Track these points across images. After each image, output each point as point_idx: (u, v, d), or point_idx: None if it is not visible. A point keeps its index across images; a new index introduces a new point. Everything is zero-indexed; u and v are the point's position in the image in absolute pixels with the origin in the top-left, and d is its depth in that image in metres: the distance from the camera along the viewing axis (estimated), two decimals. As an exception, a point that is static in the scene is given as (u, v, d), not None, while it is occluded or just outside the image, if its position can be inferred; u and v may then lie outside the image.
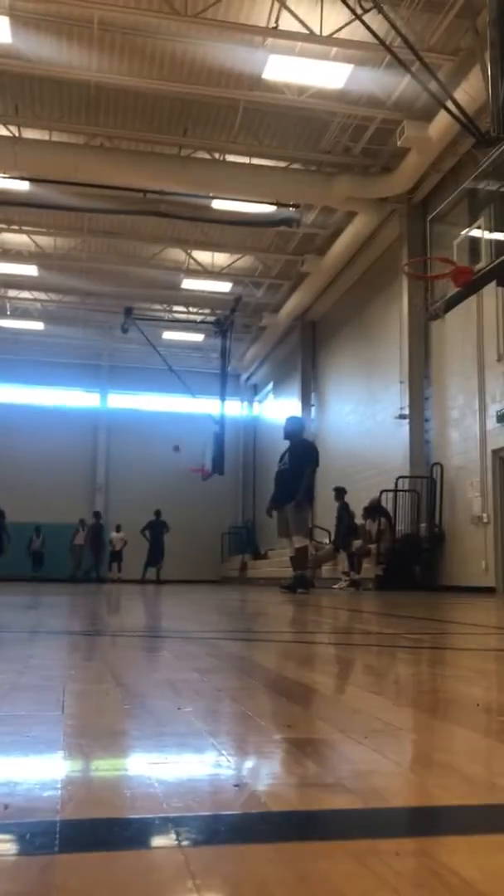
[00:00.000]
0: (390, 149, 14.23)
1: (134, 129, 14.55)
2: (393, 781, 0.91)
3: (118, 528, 23.24)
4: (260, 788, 0.87)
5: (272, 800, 0.82)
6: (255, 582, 20.58)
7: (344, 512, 14.12)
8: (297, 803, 0.81)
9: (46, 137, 14.63)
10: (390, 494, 14.22)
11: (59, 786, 0.84)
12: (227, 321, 20.49)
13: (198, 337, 23.92)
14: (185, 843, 0.68)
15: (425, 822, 0.78)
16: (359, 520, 14.67)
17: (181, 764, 0.99)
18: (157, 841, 0.70)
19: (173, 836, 0.69)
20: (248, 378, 27.43)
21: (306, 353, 22.00)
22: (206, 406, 21.33)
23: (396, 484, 14.19)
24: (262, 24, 11.67)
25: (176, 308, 22.85)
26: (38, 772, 0.95)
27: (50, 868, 0.62)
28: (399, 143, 13.13)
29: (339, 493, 14.16)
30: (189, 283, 20.56)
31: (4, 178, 15.10)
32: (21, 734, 1.12)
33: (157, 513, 21.46)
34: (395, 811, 0.79)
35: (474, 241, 9.31)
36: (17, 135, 14.27)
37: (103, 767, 0.97)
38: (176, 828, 0.71)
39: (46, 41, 12.22)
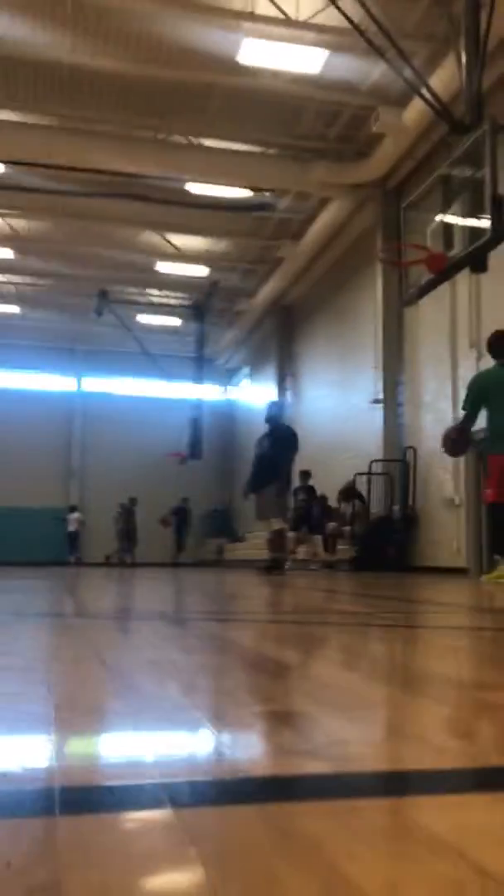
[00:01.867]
0: (365, 135, 14.26)
1: (109, 111, 14.45)
2: (365, 749, 0.97)
3: (73, 509, 23.28)
4: (242, 756, 0.93)
5: (253, 766, 0.88)
6: (232, 565, 20.69)
7: (308, 494, 14.36)
8: (276, 769, 0.87)
9: (20, 119, 14.49)
10: (364, 478, 14.36)
11: (54, 756, 0.90)
12: (203, 305, 20.49)
13: (174, 321, 23.88)
14: (175, 805, 0.73)
15: (397, 784, 0.84)
16: (333, 502, 14.84)
17: (167, 735, 1.05)
18: (150, 804, 0.75)
19: (164, 799, 0.75)
20: (225, 363, 27.44)
21: (282, 337, 22.04)
22: (182, 390, 21.34)
23: (370, 467, 14.33)
24: (239, 7, 11.62)
25: (151, 292, 22.79)
26: (33, 744, 1.00)
27: (52, 828, 0.68)
28: (374, 130, 13.16)
29: (304, 476, 14.38)
30: (164, 267, 20.49)
31: (-23, 160, 14.94)
32: (14, 710, 1.18)
33: (185, 500, 22.23)
34: (368, 775, 0.86)
35: (448, 228, 9.37)
36: (-10, 116, 14.12)
37: (94, 739, 1.03)
38: (166, 792, 0.76)
39: (19, 22, 12.09)
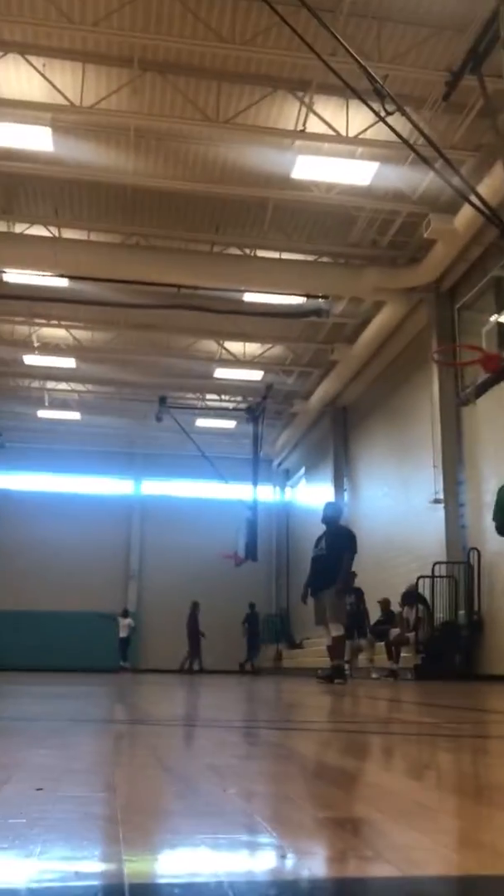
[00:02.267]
0: (417, 241, 14.64)
1: (168, 227, 15.14)
2: (429, 854, 0.96)
3: (125, 614, 22.93)
4: (303, 858, 0.93)
5: (316, 868, 0.88)
6: (290, 672, 20.27)
7: (357, 597, 14.11)
8: (338, 871, 0.87)
9: (85, 237, 15.27)
10: (427, 581, 14.05)
11: (121, 854, 0.91)
12: (258, 408, 20.81)
13: (230, 424, 24.24)
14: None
15: (461, 889, 0.83)
16: (395, 607, 14.48)
17: (230, 837, 1.05)
18: (213, 904, 0.76)
19: (228, 898, 0.76)
20: (280, 463, 27.59)
21: (338, 438, 22.15)
22: (238, 492, 21.47)
23: (433, 570, 14.04)
24: (291, 126, 12.24)
25: (209, 396, 23.26)
26: (101, 843, 1.01)
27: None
28: (425, 235, 13.50)
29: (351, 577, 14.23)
30: (221, 373, 20.98)
31: (45, 276, 15.71)
32: (80, 812, 1.19)
33: (252, 605, 22.09)
34: (433, 879, 0.85)
35: (502, 328, 9.49)
36: (57, 235, 14.93)
37: (158, 839, 1.04)
38: (231, 890, 0.77)
39: (85, 148, 12.90)
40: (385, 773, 1.82)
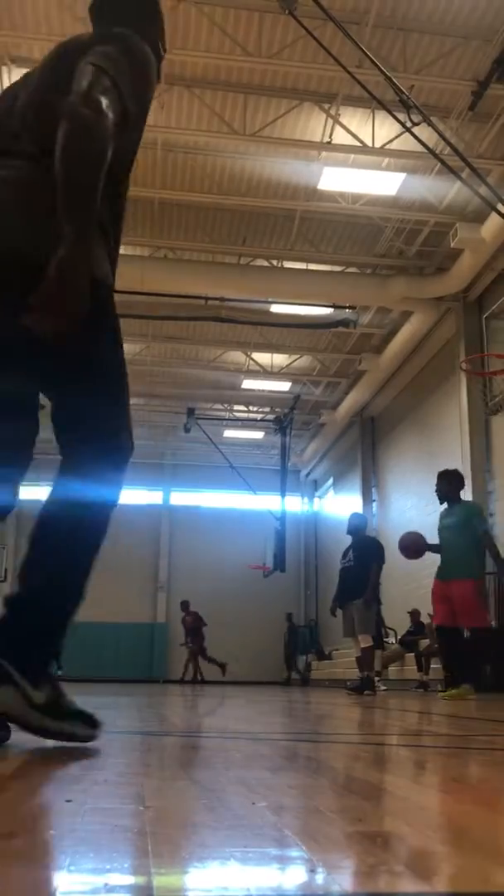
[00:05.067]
0: (444, 250, 14.59)
1: (195, 240, 15.23)
2: (461, 871, 0.95)
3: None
4: (334, 872, 0.92)
5: (346, 882, 0.87)
6: (319, 683, 20.16)
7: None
8: (370, 886, 0.87)
9: (113, 251, 15.40)
10: (456, 591, 13.92)
11: (150, 867, 0.91)
12: (286, 419, 20.82)
13: (258, 434, 24.26)
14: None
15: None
16: (425, 618, 14.37)
17: (260, 850, 1.05)
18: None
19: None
20: (308, 474, 27.54)
21: (366, 448, 22.07)
22: (266, 502, 21.47)
23: (462, 580, 13.90)
24: (317, 139, 12.28)
25: (236, 407, 23.30)
26: (130, 855, 1.02)
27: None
28: (452, 245, 13.45)
29: None
30: (249, 384, 21.02)
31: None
32: (110, 824, 1.20)
33: (290, 615, 22.10)
34: (464, 895, 0.84)
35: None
36: (85, 249, 15.06)
37: (187, 851, 1.04)
38: (259, 906, 0.77)
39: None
40: (416, 787, 1.80)
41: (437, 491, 8.45)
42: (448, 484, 8.40)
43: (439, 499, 8.46)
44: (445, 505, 8.51)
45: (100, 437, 2.31)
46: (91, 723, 2.17)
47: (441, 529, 8.34)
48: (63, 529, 2.23)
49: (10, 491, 2.38)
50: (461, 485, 8.50)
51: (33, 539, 2.21)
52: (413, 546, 8.52)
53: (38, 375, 2.26)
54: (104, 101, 2.06)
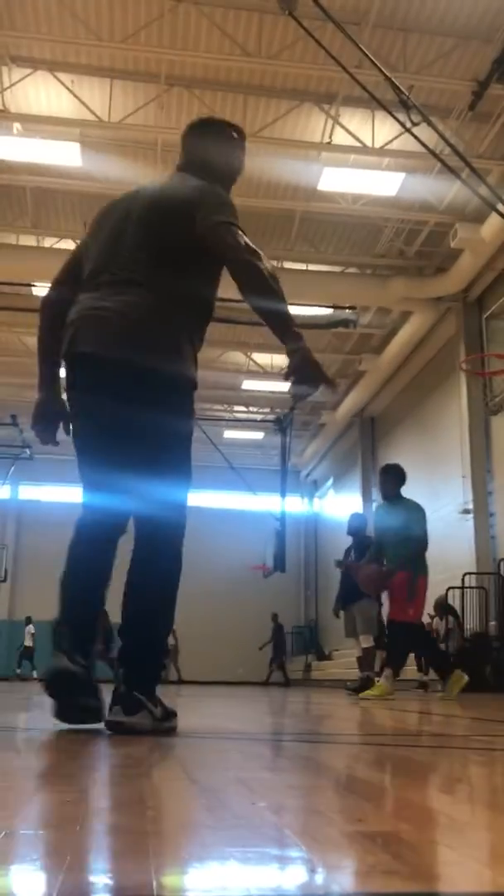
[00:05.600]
0: (444, 250, 14.59)
1: (195, 240, 15.20)
2: (460, 870, 0.95)
3: (28, 621, 21.70)
4: (334, 872, 0.92)
5: (346, 882, 0.87)
6: (319, 683, 20.15)
7: None
8: (370, 886, 0.86)
9: (113, 251, 15.39)
10: (457, 592, 13.94)
11: (150, 868, 0.91)
12: (286, 419, 20.81)
13: (258, 435, 24.25)
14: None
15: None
16: (425, 618, 14.36)
17: (260, 850, 1.04)
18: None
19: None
20: (308, 474, 27.54)
21: (366, 448, 22.09)
22: (266, 503, 21.46)
23: (463, 581, 13.92)
24: (317, 139, 12.29)
25: (236, 408, 23.31)
26: (129, 856, 1.02)
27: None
28: (452, 245, 13.47)
29: None
30: (249, 384, 21.01)
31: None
32: (107, 824, 1.19)
33: (275, 616, 22.01)
34: (464, 895, 0.84)
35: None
36: (85, 249, 15.05)
37: (187, 852, 1.04)
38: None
39: (114, 163, 13.03)
40: (415, 787, 1.80)
41: (380, 487, 8.41)
42: (396, 479, 8.37)
43: (383, 496, 8.45)
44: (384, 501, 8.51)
45: (171, 510, 2.89)
46: (174, 714, 2.84)
47: (381, 526, 8.30)
48: (151, 580, 2.87)
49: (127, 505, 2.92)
50: (402, 481, 8.45)
51: (128, 587, 2.83)
52: (375, 583, 8.50)
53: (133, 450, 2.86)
54: (250, 243, 2.95)
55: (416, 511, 8.32)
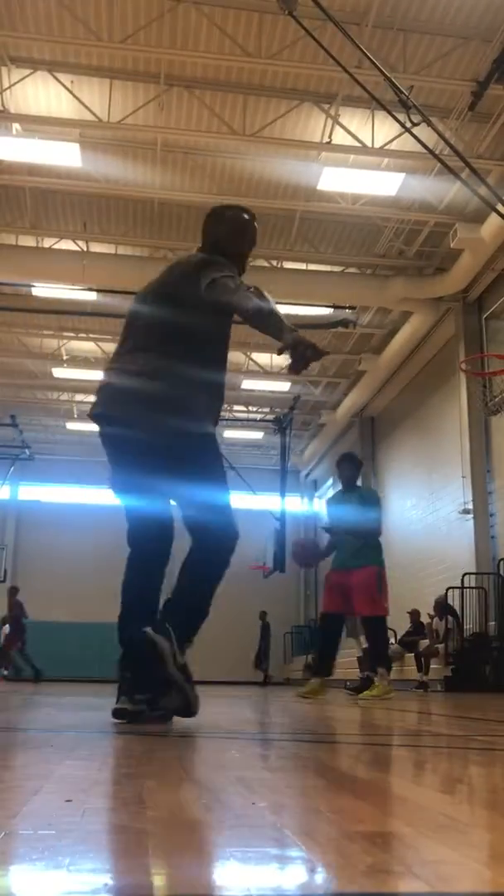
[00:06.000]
0: (444, 250, 14.59)
1: (195, 240, 15.13)
2: (460, 870, 0.95)
3: (4, 621, 20.60)
4: (334, 873, 0.92)
5: (346, 882, 0.87)
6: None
7: None
8: (370, 886, 0.87)
9: (113, 251, 15.40)
10: (456, 591, 13.94)
11: (150, 867, 0.91)
12: (286, 419, 20.80)
13: (257, 435, 24.24)
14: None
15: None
16: (425, 618, 14.38)
17: (259, 850, 1.05)
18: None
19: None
20: (308, 474, 27.53)
21: (366, 448, 22.07)
22: (266, 503, 21.45)
23: (462, 581, 13.93)
24: (317, 139, 12.28)
25: (236, 408, 23.29)
26: (129, 855, 1.02)
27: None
28: (452, 245, 13.46)
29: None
30: (249, 384, 21.00)
31: (73, 290, 15.84)
32: (108, 823, 1.19)
33: (263, 614, 21.97)
34: (464, 895, 0.84)
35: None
36: (85, 249, 15.06)
37: (187, 852, 1.04)
38: (259, 905, 0.77)
39: (113, 163, 13.03)
40: (415, 787, 1.80)
41: (342, 475, 8.44)
42: (357, 469, 8.47)
43: (343, 484, 8.48)
44: (338, 489, 8.58)
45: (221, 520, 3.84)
46: (194, 691, 3.26)
47: (335, 516, 8.32)
48: (198, 570, 3.78)
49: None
50: (359, 470, 8.59)
51: (182, 572, 3.78)
52: (302, 554, 8.56)
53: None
54: (230, 284, 3.43)
55: (373, 499, 8.37)
